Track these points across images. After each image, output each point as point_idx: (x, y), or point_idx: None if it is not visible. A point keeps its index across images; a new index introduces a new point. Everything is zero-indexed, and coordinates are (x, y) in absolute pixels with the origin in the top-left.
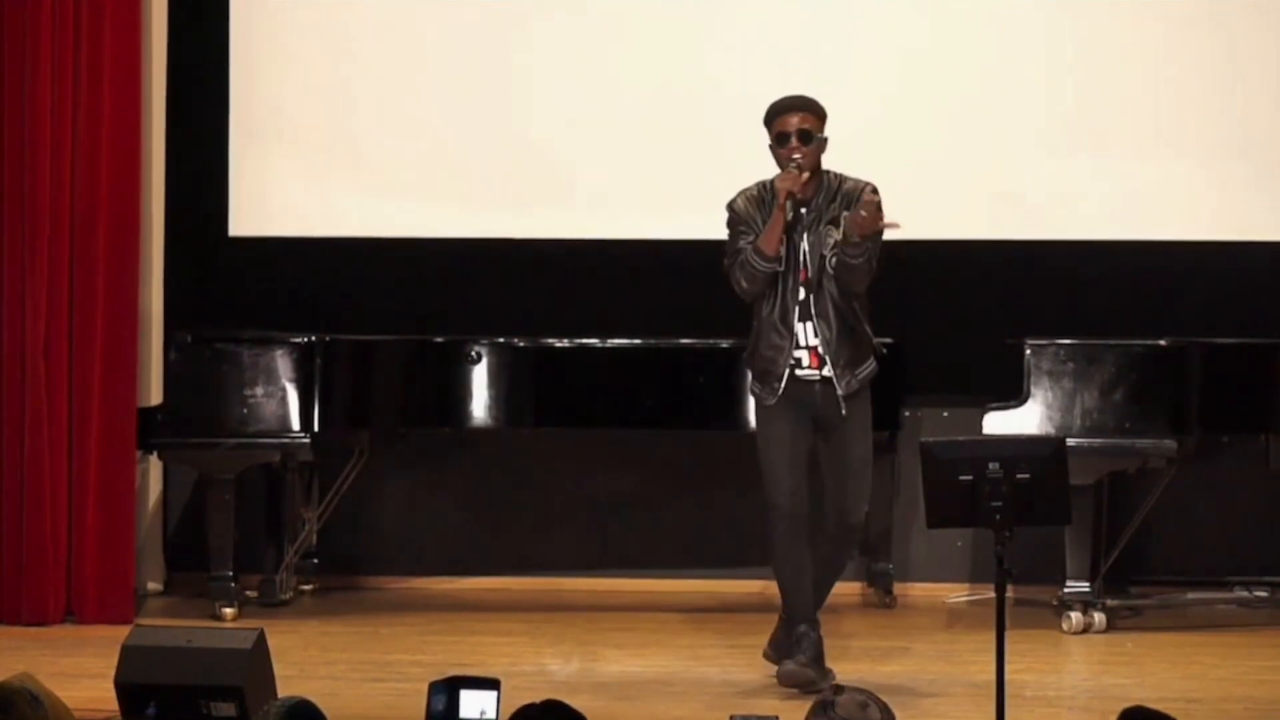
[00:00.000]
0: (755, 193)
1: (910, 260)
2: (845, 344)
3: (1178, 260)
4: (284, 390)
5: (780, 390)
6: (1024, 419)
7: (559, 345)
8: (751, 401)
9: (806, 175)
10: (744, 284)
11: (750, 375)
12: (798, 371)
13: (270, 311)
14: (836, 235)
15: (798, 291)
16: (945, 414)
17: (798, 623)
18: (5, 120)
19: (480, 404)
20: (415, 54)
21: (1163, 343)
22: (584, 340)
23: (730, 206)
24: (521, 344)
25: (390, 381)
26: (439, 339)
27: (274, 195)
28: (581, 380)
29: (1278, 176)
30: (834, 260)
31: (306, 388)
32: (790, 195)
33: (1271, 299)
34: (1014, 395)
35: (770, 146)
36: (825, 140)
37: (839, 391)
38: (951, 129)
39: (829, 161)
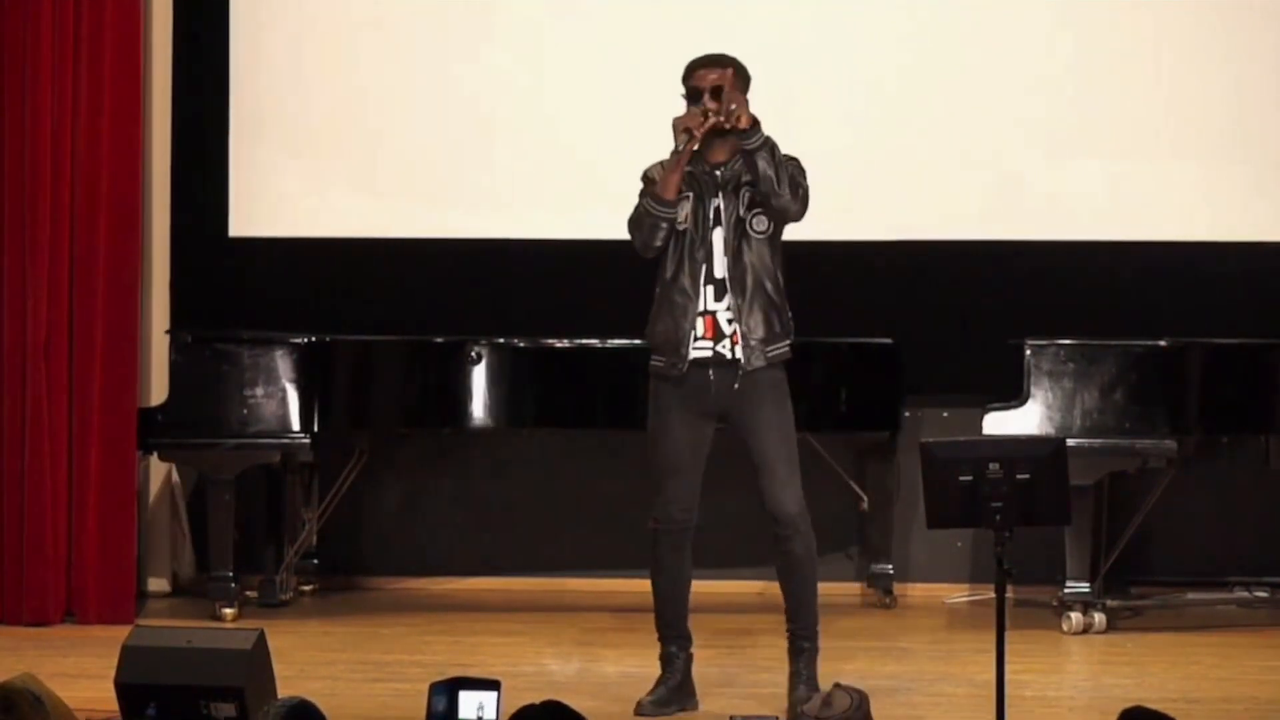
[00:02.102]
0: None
1: (910, 260)
2: (759, 316)
3: (1178, 260)
4: (284, 391)
5: (687, 361)
6: (1024, 419)
7: (559, 345)
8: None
9: (711, 121)
10: (640, 235)
11: (651, 352)
12: (693, 344)
13: (270, 311)
14: (749, 196)
15: (705, 253)
16: (945, 414)
17: (669, 642)
18: (5, 120)
19: (480, 404)
20: (415, 55)
21: (1163, 343)
22: (584, 340)
23: (645, 173)
24: (521, 344)
25: (390, 382)
26: (439, 339)
27: (274, 195)
28: (581, 380)
29: (1277, 177)
30: (756, 214)
31: (307, 388)
32: (688, 132)
33: (1271, 299)
34: (1014, 395)
35: (685, 102)
36: (745, 102)
37: (740, 365)
38: (951, 130)
39: (831, 160)
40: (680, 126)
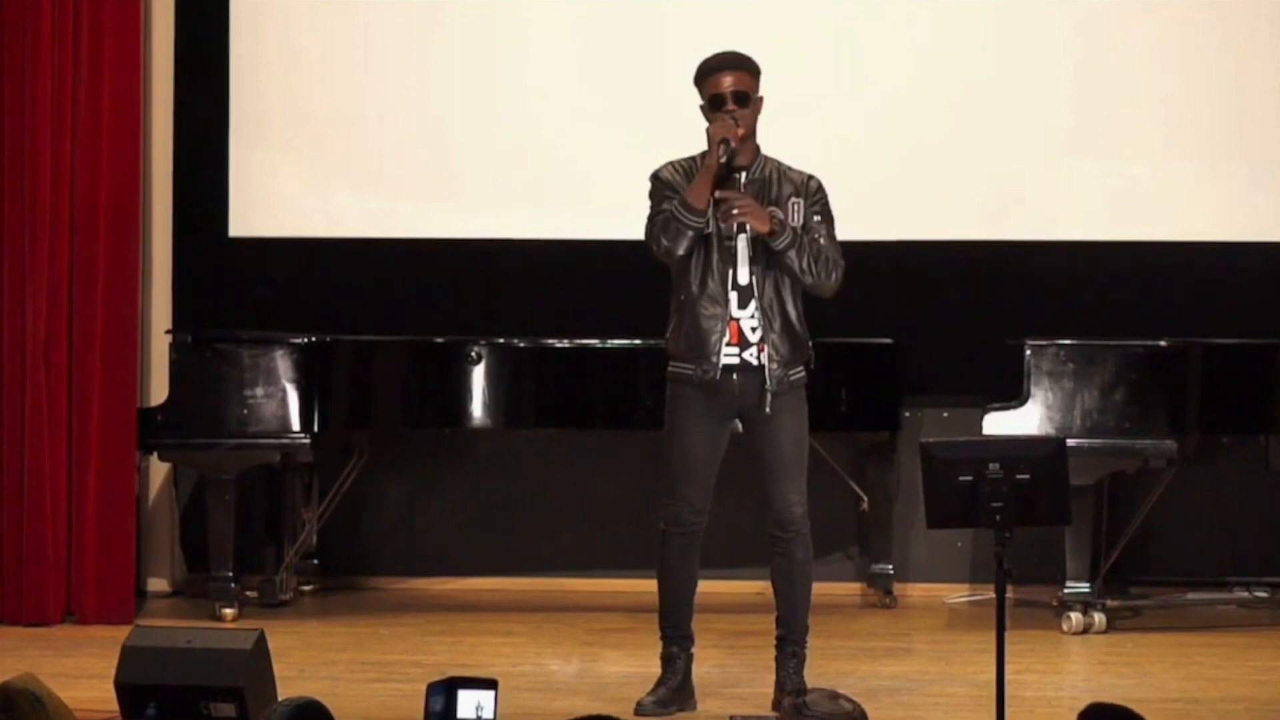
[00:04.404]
0: (684, 163)
1: (910, 260)
2: (785, 339)
3: (1178, 260)
4: (284, 391)
5: (718, 369)
6: (1024, 419)
7: (559, 345)
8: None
9: (743, 130)
10: (665, 242)
11: (673, 359)
12: (723, 346)
13: (270, 311)
14: (779, 218)
15: (730, 259)
16: (945, 414)
17: (671, 642)
18: (5, 120)
19: (480, 404)
20: (415, 54)
21: (1163, 343)
22: (584, 340)
23: (655, 174)
24: (521, 344)
25: (390, 382)
26: (439, 339)
27: (274, 195)
28: (581, 380)
29: (1277, 177)
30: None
31: (307, 388)
32: (724, 143)
33: (1271, 299)
34: (1014, 395)
35: (701, 108)
36: (762, 100)
37: (767, 386)
38: (952, 130)
39: (832, 161)
40: (717, 137)
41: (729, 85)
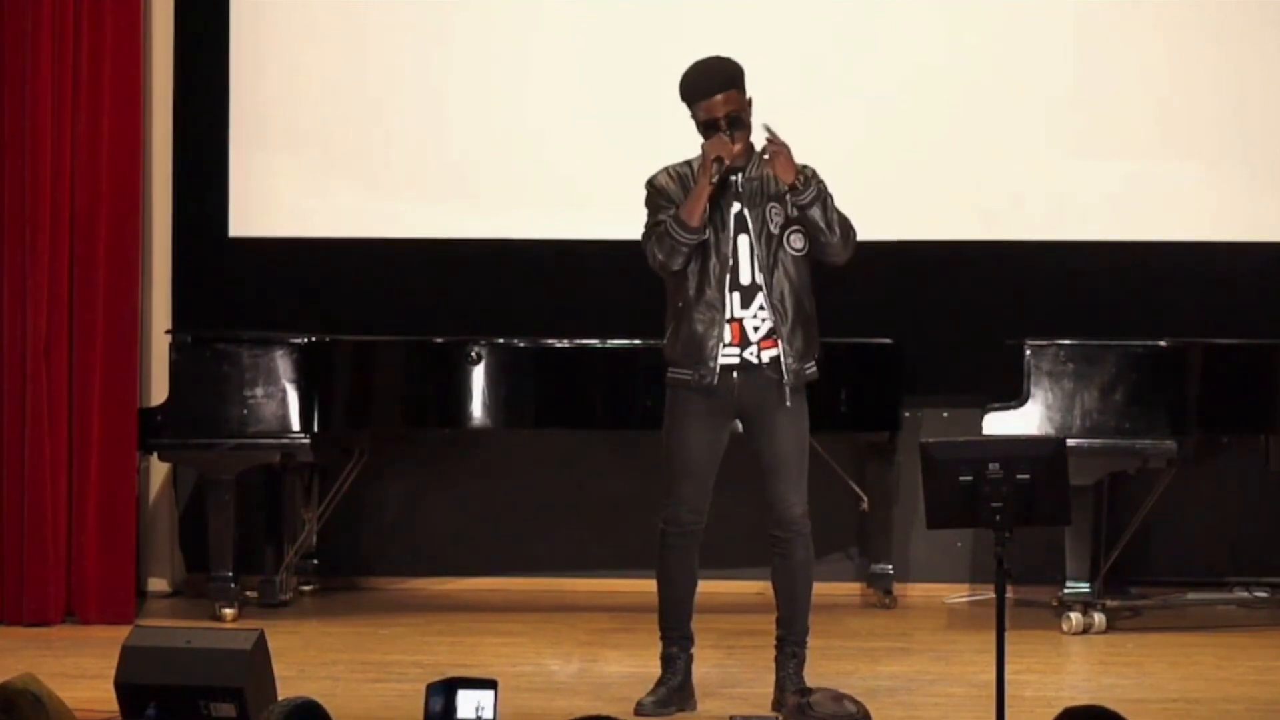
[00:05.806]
0: (680, 169)
1: (910, 260)
2: (797, 332)
3: (1178, 260)
4: (284, 391)
5: (716, 373)
6: (1024, 419)
7: (559, 345)
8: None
9: (740, 147)
10: (660, 256)
11: (671, 365)
12: (721, 352)
13: (270, 311)
14: (782, 214)
15: (730, 261)
16: (945, 414)
17: (671, 643)
18: (5, 120)
19: (480, 404)
20: (415, 54)
21: (1163, 343)
22: (584, 340)
23: (650, 181)
24: (521, 344)
25: (390, 382)
26: (439, 339)
27: (274, 195)
28: (581, 380)
29: (1277, 178)
30: (793, 232)
31: (307, 388)
32: (719, 161)
33: (1271, 299)
34: (1014, 395)
35: (696, 125)
36: (750, 101)
37: (784, 380)
38: (952, 130)
39: (832, 161)
40: (711, 154)
41: (721, 109)
